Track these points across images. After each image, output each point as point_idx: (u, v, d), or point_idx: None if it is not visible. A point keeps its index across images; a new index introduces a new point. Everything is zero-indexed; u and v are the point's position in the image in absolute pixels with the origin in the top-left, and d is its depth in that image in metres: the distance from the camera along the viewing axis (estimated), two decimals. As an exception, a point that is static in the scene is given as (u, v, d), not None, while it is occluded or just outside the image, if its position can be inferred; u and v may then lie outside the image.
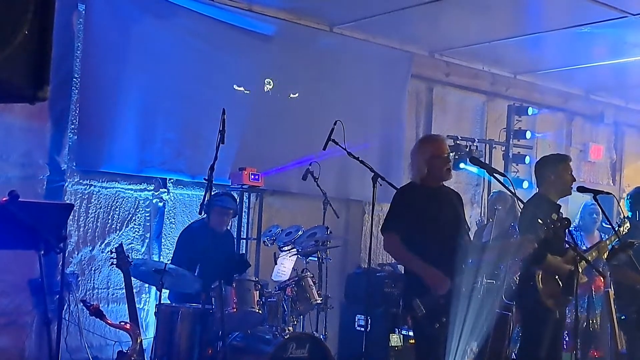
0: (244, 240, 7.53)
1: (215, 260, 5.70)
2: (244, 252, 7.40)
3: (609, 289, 7.46)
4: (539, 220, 5.15)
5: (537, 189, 5.86)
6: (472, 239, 7.43)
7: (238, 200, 7.46)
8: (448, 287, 4.78)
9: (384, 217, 5.08)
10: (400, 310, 5.52)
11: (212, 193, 6.66)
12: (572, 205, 8.50)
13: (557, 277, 5.61)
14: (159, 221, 7.16)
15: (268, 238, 6.81)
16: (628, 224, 6.32)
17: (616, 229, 6.12)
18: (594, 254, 5.91)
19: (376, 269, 7.76)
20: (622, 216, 6.60)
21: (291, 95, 7.80)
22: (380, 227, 5.13)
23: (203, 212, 5.52)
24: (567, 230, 5.18)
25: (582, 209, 8.26)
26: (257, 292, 5.83)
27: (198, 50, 7.19)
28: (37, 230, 4.40)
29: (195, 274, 6.02)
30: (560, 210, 5.71)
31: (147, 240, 7.09)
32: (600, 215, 8.03)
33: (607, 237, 6.26)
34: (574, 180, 5.75)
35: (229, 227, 6.93)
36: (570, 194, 5.82)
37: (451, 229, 5.02)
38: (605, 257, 6.31)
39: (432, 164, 5.01)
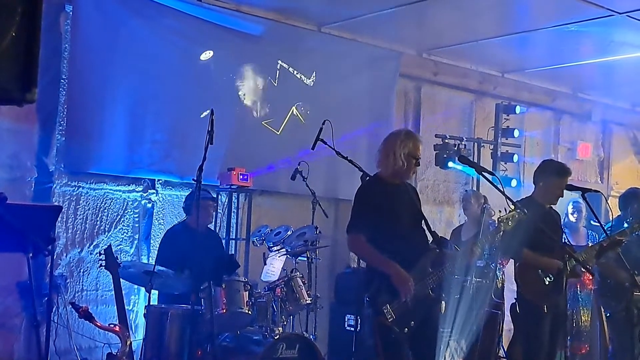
0: (233, 241, 7.52)
1: (202, 261, 5.68)
2: (233, 252, 7.39)
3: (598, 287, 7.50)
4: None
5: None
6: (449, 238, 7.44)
7: (227, 200, 7.47)
8: (412, 293, 4.69)
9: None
10: (366, 312, 5.38)
11: (187, 194, 6.68)
12: (560, 203, 8.53)
13: (539, 271, 5.66)
14: (147, 222, 7.14)
15: (257, 238, 6.80)
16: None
17: (626, 227, 6.18)
18: (584, 255, 5.97)
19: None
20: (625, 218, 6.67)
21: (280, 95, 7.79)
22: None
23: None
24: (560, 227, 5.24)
25: (567, 206, 8.30)
26: (247, 292, 5.82)
27: (186, 50, 7.17)
28: (25, 233, 4.37)
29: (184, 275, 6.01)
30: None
31: (135, 242, 7.07)
32: (583, 213, 8.10)
33: (598, 241, 6.32)
34: (562, 196, 5.87)
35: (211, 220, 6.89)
36: (556, 204, 5.92)
37: (414, 226, 4.97)
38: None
39: (407, 161, 4.93)
